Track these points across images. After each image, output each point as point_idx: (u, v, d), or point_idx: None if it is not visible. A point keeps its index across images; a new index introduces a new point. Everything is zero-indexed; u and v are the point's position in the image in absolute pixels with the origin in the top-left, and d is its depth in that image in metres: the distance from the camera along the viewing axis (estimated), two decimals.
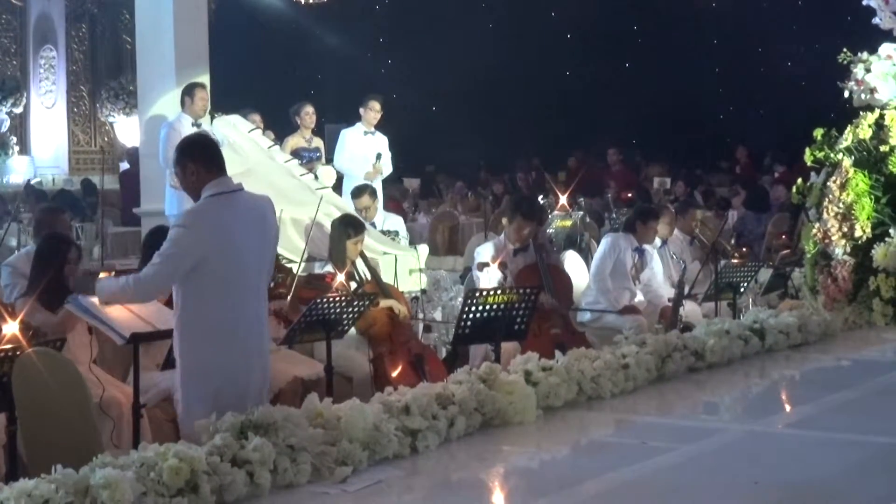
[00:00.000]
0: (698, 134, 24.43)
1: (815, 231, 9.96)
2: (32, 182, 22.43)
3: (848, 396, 7.44)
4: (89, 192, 20.24)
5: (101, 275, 7.39)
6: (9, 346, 5.90)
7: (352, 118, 14.10)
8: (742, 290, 10.30)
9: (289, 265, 9.52)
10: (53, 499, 4.60)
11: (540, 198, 14.96)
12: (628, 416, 6.90)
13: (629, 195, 19.57)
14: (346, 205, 11.87)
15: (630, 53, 25.71)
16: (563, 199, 13.53)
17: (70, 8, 26.68)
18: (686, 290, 10.11)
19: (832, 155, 9.91)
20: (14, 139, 24.29)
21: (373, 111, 13.82)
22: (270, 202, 6.57)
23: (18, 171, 23.44)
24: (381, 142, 13.89)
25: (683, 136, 24.12)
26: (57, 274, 7.46)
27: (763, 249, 14.07)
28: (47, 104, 26.12)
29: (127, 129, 25.21)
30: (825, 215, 9.86)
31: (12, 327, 6.00)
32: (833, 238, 9.77)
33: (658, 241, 10.96)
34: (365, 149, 13.70)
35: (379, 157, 13.60)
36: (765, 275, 11.09)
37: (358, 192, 12.22)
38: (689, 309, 10.11)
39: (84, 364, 7.02)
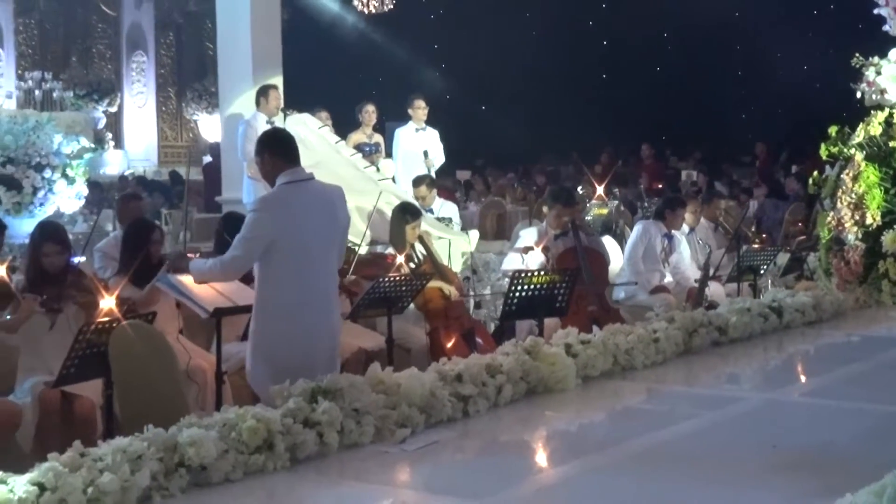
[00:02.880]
0: (722, 131, 24.28)
1: (829, 219, 9.90)
2: (126, 174, 22.58)
3: (858, 369, 7.41)
4: (176, 182, 20.36)
5: (189, 255, 7.46)
6: (106, 319, 5.97)
7: (408, 117, 14.09)
8: (762, 272, 10.25)
9: (353, 247, 9.55)
10: (145, 455, 4.64)
11: (578, 188, 14.92)
12: (658, 385, 6.90)
13: (659, 186, 19.50)
14: (405, 194, 11.88)
15: (661, 59, 25.59)
16: (599, 190, 13.47)
17: (159, 17, 26.82)
18: (711, 272, 10.05)
19: (845, 150, 9.85)
20: (109, 135, 24.43)
21: (419, 109, 13.80)
22: (341, 191, 6.57)
23: (113, 163, 23.59)
24: (432, 136, 13.86)
25: (709, 133, 23.97)
26: (144, 255, 7.51)
27: (781, 236, 13.95)
28: (139, 104, 26.27)
29: (209, 126, 25.32)
30: (839, 205, 9.79)
31: (109, 302, 6.06)
32: (846, 225, 9.70)
33: (686, 229, 10.91)
34: (417, 145, 13.71)
35: (426, 154, 13.59)
36: (782, 259, 11.02)
37: (417, 182, 12.23)
38: (714, 289, 10.06)
39: (172, 335, 7.07)
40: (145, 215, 9.60)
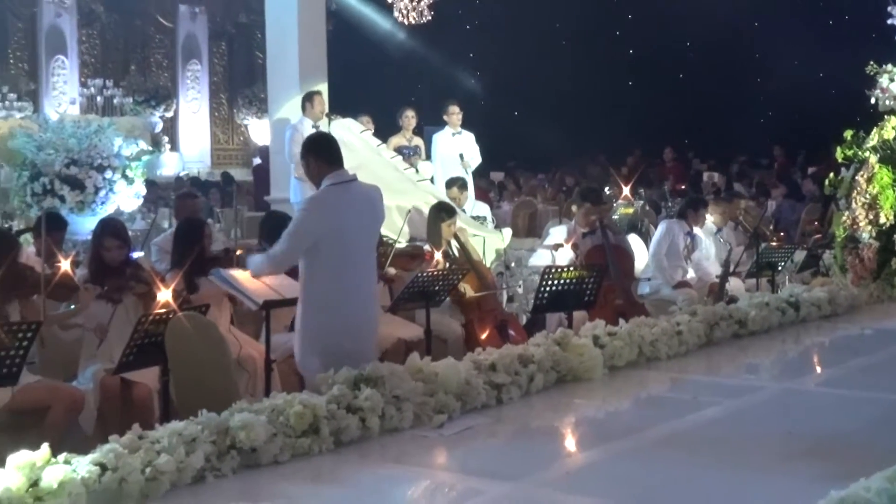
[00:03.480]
0: (742, 135, 24.17)
1: (844, 218, 9.94)
2: (181, 174, 22.70)
3: (871, 361, 7.37)
4: (228, 182, 20.46)
5: (238, 252, 7.49)
6: (163, 310, 6.00)
7: (445, 121, 14.10)
8: (780, 268, 10.19)
9: (391, 241, 9.55)
10: (199, 437, 4.66)
11: (606, 189, 14.88)
12: (681, 374, 6.87)
13: (682, 187, 19.43)
14: (442, 194, 11.88)
15: (684, 66, 25.48)
16: (626, 191, 13.43)
17: (212, 29, 26.95)
18: (731, 268, 10.00)
19: (860, 153, 9.88)
20: (166, 138, 24.56)
21: (454, 115, 13.81)
22: (379, 191, 6.57)
23: (169, 165, 23.72)
24: (468, 139, 13.86)
25: (730, 137, 23.86)
26: (196, 251, 7.54)
27: (798, 234, 13.88)
28: (193, 109, 26.39)
29: (258, 130, 25.41)
30: (853, 205, 9.85)
31: (165, 295, 6.09)
32: (860, 224, 9.75)
33: (714, 228, 10.85)
34: (454, 148, 13.72)
35: (462, 156, 13.60)
36: (799, 256, 10.97)
37: (449, 185, 12.23)
38: (734, 284, 10.00)
39: (224, 326, 7.10)
40: (200, 213, 9.64)
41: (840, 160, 10.17)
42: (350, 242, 6.26)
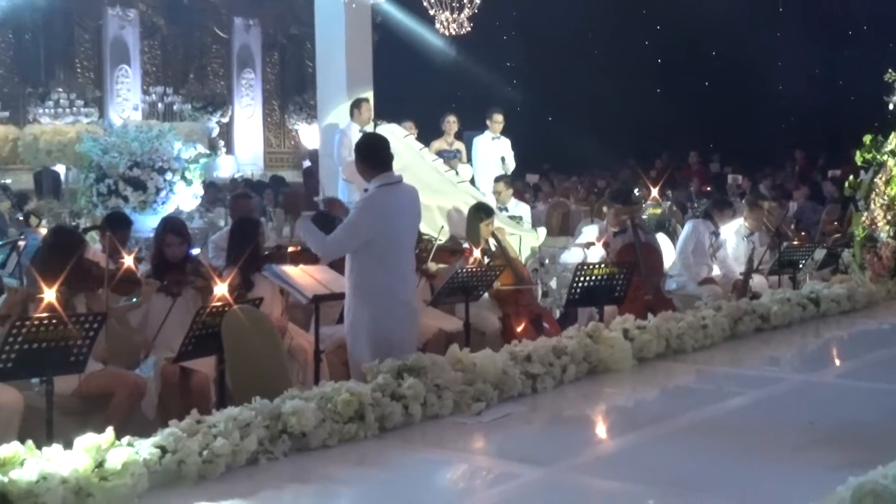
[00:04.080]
0: (765, 139, 24.01)
1: (863, 218, 9.88)
2: (236, 176, 22.80)
3: (888, 354, 7.30)
4: (280, 184, 20.53)
5: (290, 249, 7.51)
6: (219, 303, 6.03)
7: (484, 127, 14.11)
8: (800, 266, 10.10)
9: (432, 239, 9.55)
10: (253, 423, 4.69)
11: (635, 191, 14.80)
12: (706, 366, 6.84)
13: (707, 189, 19.30)
14: (481, 195, 11.88)
15: (709, 75, 25.32)
16: (654, 192, 13.34)
17: (265, 39, 27.06)
18: (754, 265, 9.93)
19: (878, 156, 9.81)
20: (222, 142, 24.70)
21: (497, 123, 13.86)
22: (416, 191, 6.62)
23: (225, 167, 23.84)
24: (505, 144, 13.89)
25: (753, 142, 23.71)
26: (251, 248, 7.58)
27: (818, 233, 13.74)
28: (247, 115, 26.51)
29: (308, 135, 25.49)
30: (872, 206, 9.79)
31: (222, 289, 6.12)
32: (879, 224, 9.70)
33: (746, 231, 10.75)
34: (493, 152, 13.77)
35: (503, 159, 13.64)
36: (819, 254, 10.87)
37: (496, 180, 12.36)
38: (757, 281, 9.93)
39: (276, 319, 7.13)
40: (254, 213, 9.68)
41: (859, 163, 10.11)
42: (397, 240, 6.31)
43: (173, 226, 7.43)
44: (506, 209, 11.90)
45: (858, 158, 10.01)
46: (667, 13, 24.07)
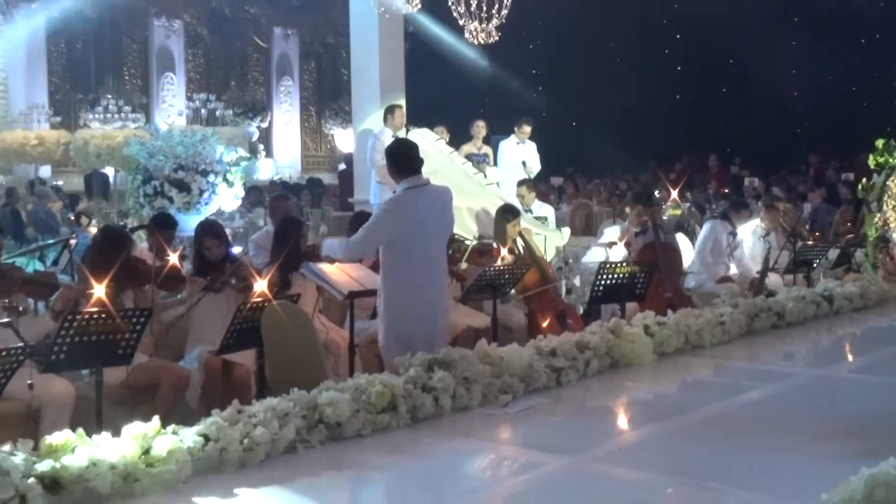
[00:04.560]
0: (780, 143, 23.88)
1: (876, 219, 9.81)
2: (275, 178, 22.89)
3: None
4: (316, 186, 20.60)
5: (323, 237, 7.51)
6: (259, 299, 6.05)
7: (512, 132, 14.12)
8: (815, 265, 10.04)
9: (463, 240, 9.55)
10: (291, 412, 4.70)
11: (656, 192, 14.75)
12: (724, 361, 6.81)
13: (725, 191, 19.20)
14: (508, 196, 11.87)
15: (727, 82, 25.22)
16: (673, 194, 13.30)
17: (302, 49, 27.19)
18: (770, 264, 9.87)
19: (890, 160, 9.74)
20: (261, 146, 24.82)
21: (524, 133, 13.89)
22: (450, 192, 6.58)
23: (264, 170, 23.95)
24: (531, 148, 13.90)
25: (769, 146, 23.58)
26: (292, 247, 7.59)
27: (831, 234, 13.65)
28: (286, 120, 26.63)
29: (343, 139, 25.58)
30: (884, 207, 9.73)
31: (261, 286, 6.14)
32: (891, 225, 9.64)
33: (762, 232, 10.68)
34: (518, 156, 13.78)
35: (524, 163, 13.64)
36: (833, 254, 10.79)
37: (519, 184, 12.35)
38: (773, 279, 9.87)
39: (313, 314, 7.14)
40: (293, 213, 9.69)
41: (872, 167, 10.04)
42: (425, 238, 6.28)
43: (210, 229, 7.43)
44: (530, 211, 11.89)
45: (871, 162, 9.94)
46: (686, 24, 23.99)
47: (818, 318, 8.15)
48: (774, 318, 7.76)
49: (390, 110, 12.56)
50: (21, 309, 5.93)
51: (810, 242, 10.47)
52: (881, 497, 3.29)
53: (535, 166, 13.94)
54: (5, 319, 5.28)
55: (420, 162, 6.47)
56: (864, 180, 10.23)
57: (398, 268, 6.25)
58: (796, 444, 4.78)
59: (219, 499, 4.08)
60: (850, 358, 7.54)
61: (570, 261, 11.39)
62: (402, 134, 12.29)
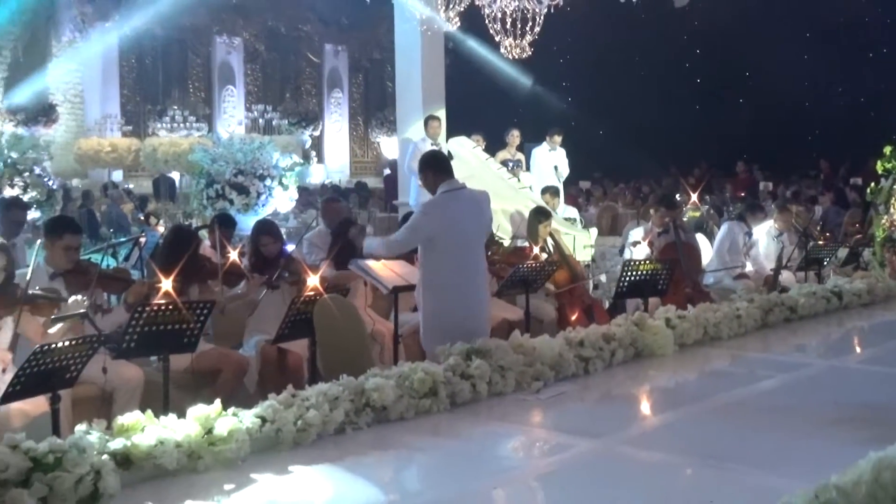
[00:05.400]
0: (794, 150, 23.67)
1: (883, 221, 9.69)
2: (325, 182, 22.97)
3: None
4: (363, 189, 20.66)
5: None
6: (311, 293, 6.08)
7: (543, 139, 14.11)
8: (825, 263, 9.94)
9: (500, 240, 9.56)
10: (340, 397, 4.72)
11: (677, 195, 14.66)
12: (740, 352, 6.75)
13: (741, 194, 19.04)
14: (539, 200, 11.85)
15: (744, 93, 25.04)
16: (693, 197, 13.20)
17: (351, 63, 27.29)
18: (784, 262, 9.78)
19: None
20: (314, 153, 24.94)
21: (555, 141, 13.90)
22: (487, 195, 6.56)
23: (316, 174, 24.06)
24: (561, 154, 13.90)
25: (783, 152, 23.38)
26: (345, 245, 7.62)
27: (841, 234, 13.49)
28: (336, 129, 26.74)
29: (388, 146, 25.64)
30: (892, 209, 9.58)
31: (314, 280, 6.17)
32: None
33: (776, 232, 10.58)
34: (549, 162, 13.77)
35: (556, 168, 13.64)
36: (842, 253, 10.68)
37: (543, 192, 12.30)
38: (786, 276, 9.78)
39: (361, 306, 7.16)
40: (345, 215, 9.74)
41: (880, 172, 9.92)
42: (460, 238, 6.26)
43: (267, 228, 7.48)
44: (555, 213, 11.90)
45: (879, 167, 9.82)
46: (705, 39, 23.86)
47: (828, 313, 8.06)
48: (787, 313, 7.68)
49: (429, 120, 12.58)
50: (99, 304, 6.00)
51: (821, 242, 10.36)
52: (887, 479, 3.25)
53: (565, 171, 13.96)
54: (83, 311, 5.34)
55: (451, 168, 6.48)
56: (872, 184, 10.12)
57: (435, 265, 6.25)
58: (808, 430, 4.73)
59: (274, 475, 4.11)
60: (858, 350, 7.46)
61: (598, 258, 11.37)
62: (441, 141, 12.31)
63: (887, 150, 9.74)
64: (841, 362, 6.55)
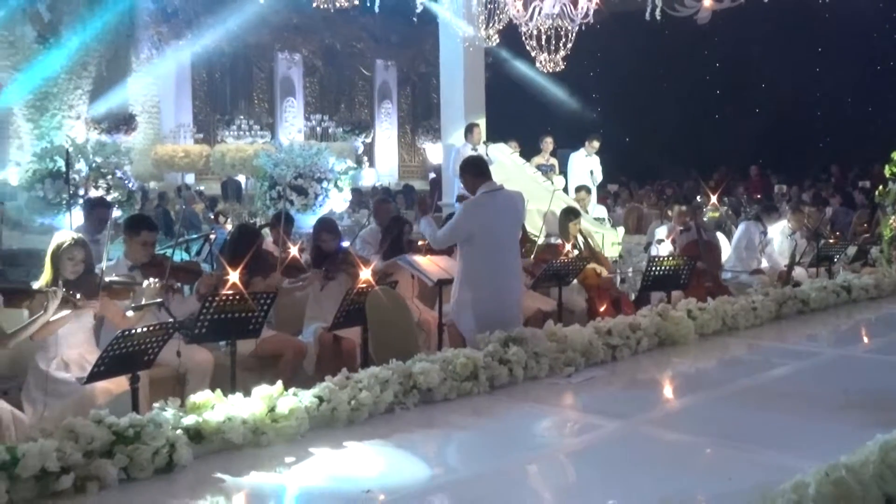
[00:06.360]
0: (806, 155, 23.37)
1: (890, 221, 9.55)
2: (376, 185, 23.03)
3: None
4: (410, 191, 20.68)
5: (420, 243, 7.54)
6: (364, 285, 6.11)
7: (575, 145, 14.11)
8: (835, 260, 9.80)
9: (534, 238, 9.53)
10: (390, 379, 4.73)
11: (697, 197, 14.55)
12: (756, 341, 6.68)
13: (757, 196, 18.82)
14: (570, 200, 11.80)
15: (760, 104, 24.73)
16: (713, 199, 13.08)
17: (400, 77, 27.32)
18: (797, 259, 9.67)
19: None
20: (366, 158, 24.99)
21: (592, 147, 13.89)
22: (521, 196, 6.57)
23: (368, 178, 24.11)
24: (596, 161, 13.90)
25: (797, 157, 23.08)
26: (394, 241, 7.63)
27: (850, 234, 13.30)
28: (386, 136, 26.78)
29: (434, 152, 25.63)
30: None
31: (366, 274, 6.19)
32: None
33: (789, 231, 10.47)
34: (586, 166, 13.76)
35: (591, 172, 13.61)
36: (851, 250, 10.53)
37: (577, 190, 12.30)
38: (799, 272, 9.66)
39: (409, 297, 7.18)
40: (396, 214, 9.79)
41: (887, 175, 9.77)
42: (497, 235, 6.28)
43: (327, 225, 7.53)
44: (586, 212, 11.87)
45: (887, 172, 9.68)
46: (724, 52, 23.64)
47: (838, 306, 7.95)
48: (800, 305, 7.59)
49: (470, 128, 12.58)
50: (176, 287, 6.07)
51: (832, 241, 10.22)
52: (894, 459, 3.21)
53: (599, 176, 13.98)
54: (160, 300, 5.40)
55: (489, 170, 6.48)
56: (880, 187, 9.99)
57: (473, 259, 6.26)
58: (819, 414, 4.68)
59: (330, 449, 4.13)
60: (866, 340, 7.34)
61: (625, 255, 11.31)
62: (481, 148, 12.30)
63: (894, 155, 9.60)
64: (850, 351, 6.46)
